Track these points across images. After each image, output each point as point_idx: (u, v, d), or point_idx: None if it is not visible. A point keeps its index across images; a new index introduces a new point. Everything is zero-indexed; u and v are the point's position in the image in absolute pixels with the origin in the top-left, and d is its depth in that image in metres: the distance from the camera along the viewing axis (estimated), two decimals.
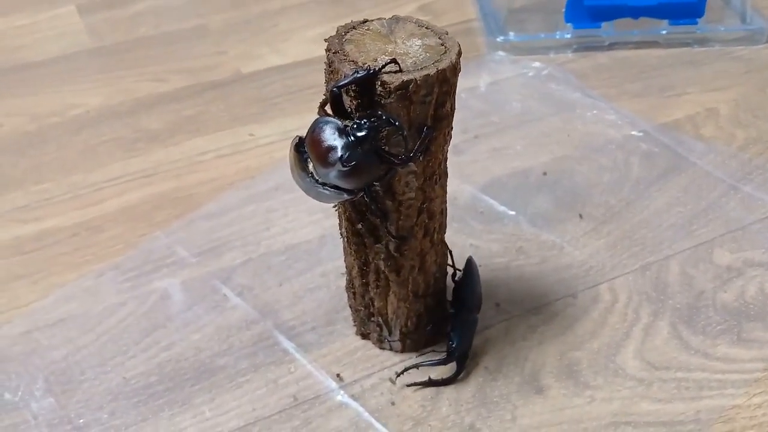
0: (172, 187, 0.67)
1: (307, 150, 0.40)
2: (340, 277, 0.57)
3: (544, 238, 0.61)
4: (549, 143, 0.72)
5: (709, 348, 0.52)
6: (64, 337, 0.54)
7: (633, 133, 0.72)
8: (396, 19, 0.42)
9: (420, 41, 0.40)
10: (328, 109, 0.40)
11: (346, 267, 0.51)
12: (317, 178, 0.40)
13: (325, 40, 0.41)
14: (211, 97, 0.79)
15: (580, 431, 0.47)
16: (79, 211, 0.64)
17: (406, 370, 0.50)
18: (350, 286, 0.51)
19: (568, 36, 0.86)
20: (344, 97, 0.39)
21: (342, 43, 0.40)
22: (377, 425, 0.48)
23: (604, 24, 0.86)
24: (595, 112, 0.75)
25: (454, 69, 0.40)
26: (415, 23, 0.42)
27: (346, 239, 0.48)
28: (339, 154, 0.38)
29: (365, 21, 0.42)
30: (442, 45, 0.40)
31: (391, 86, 0.38)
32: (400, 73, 0.38)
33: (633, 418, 0.48)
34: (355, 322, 0.53)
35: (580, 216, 0.63)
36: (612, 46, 0.86)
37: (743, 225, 0.62)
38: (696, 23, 0.86)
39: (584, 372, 0.51)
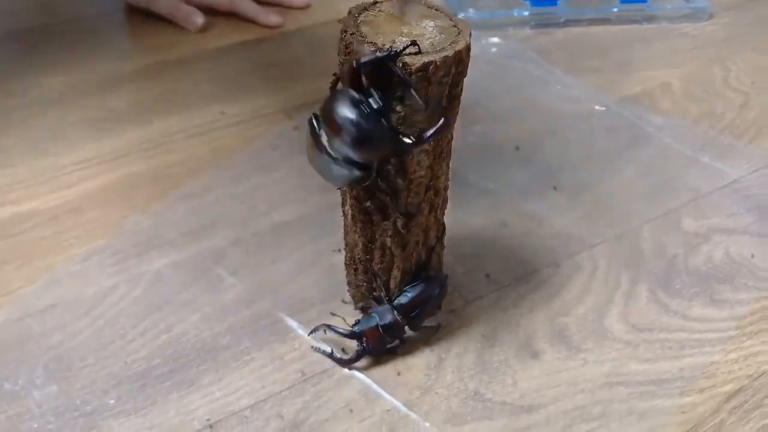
0: (148, 167, 0.66)
1: (321, 122, 0.41)
2: (332, 254, 0.58)
3: (523, 210, 0.64)
4: (518, 119, 0.74)
5: (686, 310, 0.56)
6: (57, 323, 0.53)
7: (596, 107, 0.76)
8: (405, 1, 0.43)
9: (432, 22, 0.41)
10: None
11: (347, 244, 0.52)
12: (331, 152, 0.40)
13: (340, 21, 0.42)
14: (178, 75, 0.78)
15: (577, 392, 0.50)
16: (55, 193, 0.63)
17: (317, 329, 0.51)
18: (351, 262, 0.52)
19: (526, 13, 0.88)
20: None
21: (358, 25, 0.41)
22: (386, 395, 0.49)
23: (560, 1, 0.89)
24: (558, 87, 0.78)
25: (468, 50, 0.41)
26: (424, 5, 0.43)
27: (351, 217, 0.49)
28: (353, 121, 0.38)
29: (375, 2, 0.43)
30: (455, 26, 0.42)
31: (412, 68, 0.39)
32: (420, 55, 0.39)
33: (624, 378, 0.51)
34: (354, 297, 0.54)
35: (555, 188, 0.66)
36: (567, 23, 0.89)
37: (705, 193, 0.66)
38: (645, 1, 0.89)
39: (574, 336, 0.53)
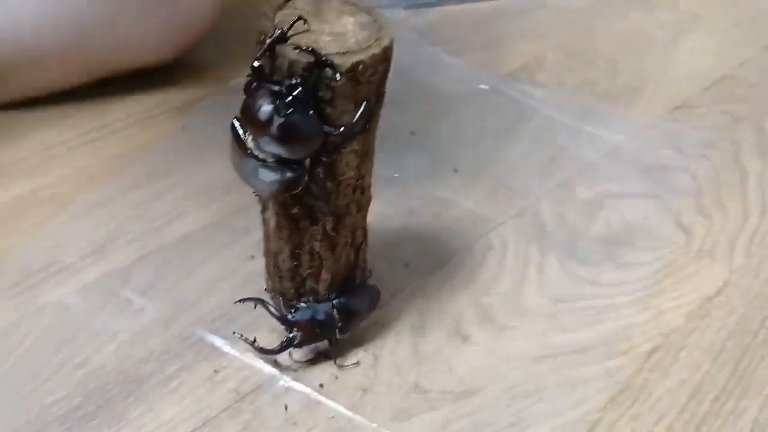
0: (31, 187, 0.61)
1: (244, 123, 0.39)
2: (247, 262, 0.56)
3: (429, 195, 0.64)
4: (407, 102, 0.74)
5: (595, 276, 0.59)
6: None
7: (481, 86, 0.77)
8: None
9: (352, 18, 0.41)
10: None
11: (268, 253, 0.50)
12: (259, 154, 0.39)
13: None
14: None
15: (511, 370, 0.51)
16: None
17: (250, 299, 0.49)
18: (276, 271, 0.50)
19: None
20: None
21: (273, 26, 0.39)
22: (327, 402, 0.48)
23: None
24: (443, 68, 0.79)
25: (392, 46, 0.40)
26: (338, 1, 0.42)
27: (274, 225, 0.47)
28: (275, 111, 0.37)
29: (288, 0, 0.41)
30: (375, 21, 0.41)
31: (342, 68, 0.37)
32: (348, 55, 0.38)
33: (551, 351, 0.53)
34: (277, 305, 0.52)
35: (455, 170, 0.67)
36: (440, 3, 0.90)
37: (592, 161, 0.70)
38: None
39: (498, 315, 0.55)
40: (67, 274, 0.54)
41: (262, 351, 0.49)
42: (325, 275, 0.49)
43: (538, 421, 0.48)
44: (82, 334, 0.50)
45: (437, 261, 0.58)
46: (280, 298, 0.51)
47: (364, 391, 0.49)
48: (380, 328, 0.53)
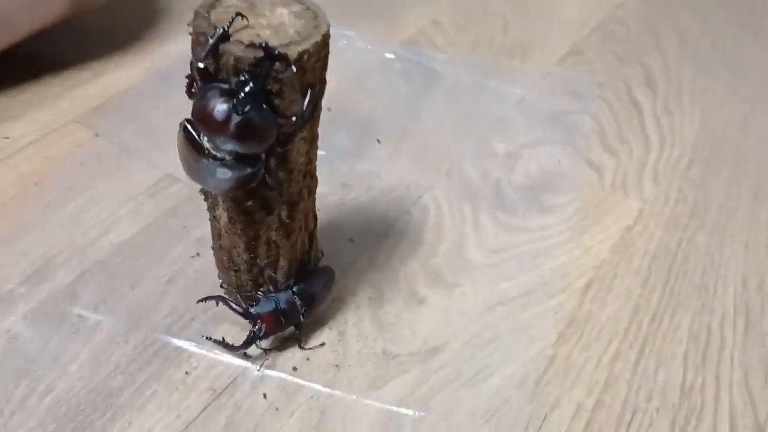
0: None
1: (197, 124, 0.38)
2: (191, 261, 0.56)
3: (359, 169, 0.66)
4: None
5: (525, 224, 0.62)
6: None
7: (386, 55, 0.79)
8: None
9: (286, 9, 0.41)
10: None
11: (221, 249, 0.50)
12: (215, 153, 0.39)
13: (189, 25, 0.39)
14: None
15: (468, 323, 0.54)
16: None
17: (210, 298, 0.50)
18: (230, 265, 0.50)
19: None
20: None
21: (212, 25, 0.39)
22: (305, 383, 0.50)
23: None
24: (344, 42, 0.80)
25: (329, 32, 0.41)
26: None
27: (226, 221, 0.47)
28: (232, 109, 0.37)
29: None
30: (308, 9, 0.41)
31: (291, 59, 0.38)
32: (292, 45, 0.38)
33: (500, 299, 0.56)
34: (235, 300, 0.53)
35: (378, 141, 0.69)
36: None
37: (502, 115, 0.73)
38: None
39: (446, 274, 0.58)
40: (7, 303, 0.52)
41: (231, 348, 0.49)
42: (282, 263, 0.50)
43: (500, 365, 0.51)
44: (40, 360, 0.49)
45: (380, 231, 0.60)
46: (236, 292, 0.51)
47: (337, 367, 0.51)
48: (339, 304, 0.54)
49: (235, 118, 0.37)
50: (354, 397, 0.49)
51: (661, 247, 0.61)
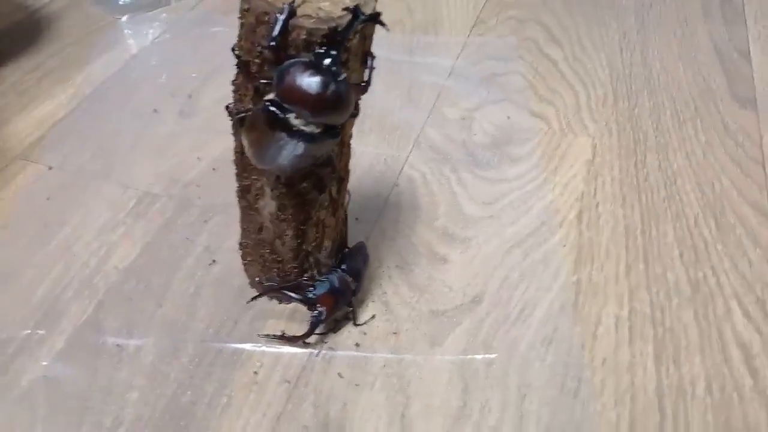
0: None
1: (287, 102, 0.38)
2: (209, 269, 0.55)
3: None
4: None
5: (503, 175, 0.66)
6: None
7: None
8: None
9: None
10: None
11: (260, 244, 0.49)
12: (306, 128, 0.38)
13: (246, 10, 0.39)
14: None
15: (494, 269, 0.57)
16: None
17: (262, 295, 0.50)
18: (274, 258, 0.49)
19: None
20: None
21: (271, 4, 0.38)
22: (373, 355, 0.50)
23: None
24: None
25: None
26: None
27: (275, 209, 0.46)
28: (327, 80, 0.37)
29: None
30: None
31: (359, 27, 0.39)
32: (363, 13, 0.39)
33: (511, 242, 0.59)
34: (269, 293, 0.52)
35: None
36: None
37: (440, 84, 0.76)
38: None
39: (456, 231, 0.60)
40: (30, 349, 0.48)
41: (295, 339, 0.49)
42: (326, 243, 0.50)
43: (537, 299, 0.55)
44: (93, 397, 0.46)
45: (378, 206, 0.61)
46: (277, 284, 0.51)
47: (395, 334, 0.52)
48: (371, 278, 0.55)
49: (332, 88, 0.37)
50: (421, 357, 0.50)
51: (623, 173, 0.67)
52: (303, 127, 0.38)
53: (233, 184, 0.60)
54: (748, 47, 0.86)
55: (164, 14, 0.83)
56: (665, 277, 0.58)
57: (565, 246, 0.59)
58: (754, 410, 0.49)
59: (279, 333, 0.49)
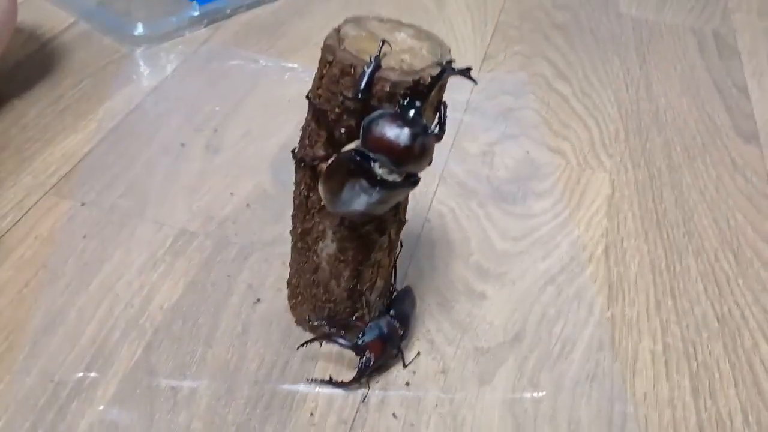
0: None
1: (376, 152, 0.39)
2: (254, 307, 0.55)
3: None
4: (281, 117, 0.75)
5: (529, 210, 0.68)
6: None
7: None
8: (356, 20, 0.43)
9: (404, 33, 0.42)
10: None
11: (313, 284, 0.50)
12: (389, 177, 0.39)
13: (329, 60, 0.40)
14: None
15: (531, 305, 0.58)
16: None
17: (313, 340, 0.50)
18: (327, 298, 0.50)
19: (196, 14, 0.86)
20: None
21: (355, 56, 0.39)
22: (424, 394, 0.51)
23: None
24: (287, 75, 0.80)
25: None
26: (374, 18, 0.43)
27: (335, 251, 0.47)
28: (417, 133, 0.38)
29: (337, 31, 0.42)
30: (420, 31, 0.43)
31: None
32: (435, 66, 0.40)
33: (546, 279, 0.60)
34: (317, 332, 0.52)
35: None
36: (233, 13, 0.90)
37: (458, 120, 0.78)
38: None
39: (490, 267, 0.61)
40: (85, 393, 0.48)
41: (344, 385, 0.49)
42: (379, 283, 0.51)
43: (576, 335, 0.56)
44: None
45: (412, 242, 0.62)
46: (326, 323, 0.51)
47: (443, 372, 0.52)
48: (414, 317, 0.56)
49: (419, 140, 0.38)
50: (472, 395, 0.51)
51: (642, 208, 0.69)
52: (386, 176, 0.39)
53: (268, 221, 0.61)
54: (746, 83, 0.90)
55: (180, 46, 0.83)
56: (693, 312, 0.60)
57: (595, 282, 0.61)
58: None
59: (327, 378, 0.50)
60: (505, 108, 0.81)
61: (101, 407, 0.47)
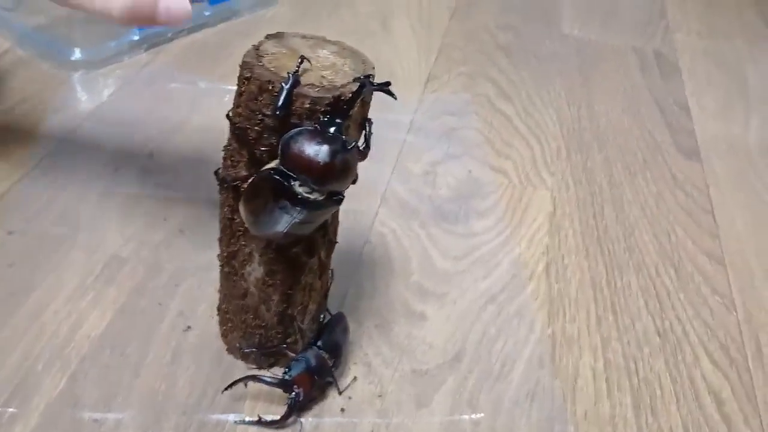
0: None
1: (295, 170, 0.38)
2: (184, 335, 0.53)
3: None
4: (219, 140, 0.73)
5: (470, 229, 0.67)
6: None
7: None
8: (278, 36, 0.42)
9: (326, 50, 0.42)
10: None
11: (242, 310, 0.48)
12: (311, 196, 0.38)
13: (246, 78, 0.39)
14: None
15: (470, 324, 0.57)
16: None
17: (238, 381, 0.48)
18: (257, 323, 0.49)
19: (136, 38, 0.85)
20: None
21: (274, 73, 0.39)
22: (360, 420, 0.49)
23: None
24: (227, 98, 0.79)
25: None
26: (297, 36, 0.43)
27: (263, 275, 0.46)
28: (337, 150, 0.37)
29: (256, 48, 0.41)
30: (343, 48, 0.42)
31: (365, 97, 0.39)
32: (364, 80, 0.39)
33: (485, 297, 0.60)
34: (249, 359, 0.51)
35: None
36: (174, 37, 0.89)
37: (401, 140, 0.78)
38: (229, 0, 0.94)
39: (430, 287, 0.60)
40: (2, 429, 0.45)
41: (273, 424, 0.48)
42: (311, 306, 0.49)
43: (516, 353, 0.56)
44: None
45: (353, 263, 0.61)
46: (257, 350, 0.50)
47: (380, 396, 0.51)
48: (352, 340, 0.55)
49: (340, 156, 0.37)
50: (409, 420, 0.50)
51: (583, 225, 0.69)
52: (307, 195, 0.38)
53: (202, 247, 0.60)
54: (686, 100, 0.91)
55: (118, 71, 0.82)
56: (634, 327, 0.59)
57: (536, 299, 0.61)
58: None
59: (256, 417, 0.48)
60: (448, 128, 0.81)
61: None
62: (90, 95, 0.78)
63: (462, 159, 0.76)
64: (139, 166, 0.68)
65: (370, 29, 0.98)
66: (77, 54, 0.81)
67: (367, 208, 0.67)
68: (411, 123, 0.81)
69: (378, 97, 0.42)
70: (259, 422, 0.48)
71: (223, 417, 0.48)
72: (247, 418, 0.48)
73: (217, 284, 0.52)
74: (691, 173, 0.78)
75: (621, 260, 0.66)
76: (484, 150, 0.78)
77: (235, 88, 0.42)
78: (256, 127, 0.39)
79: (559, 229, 0.69)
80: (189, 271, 0.58)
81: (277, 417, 0.48)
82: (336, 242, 0.48)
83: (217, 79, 0.82)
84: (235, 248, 0.46)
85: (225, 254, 0.47)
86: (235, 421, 0.48)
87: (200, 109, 0.77)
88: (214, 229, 0.59)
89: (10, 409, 0.47)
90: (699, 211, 0.73)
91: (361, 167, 0.41)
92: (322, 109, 0.38)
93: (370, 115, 0.43)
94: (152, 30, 0.86)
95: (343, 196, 0.40)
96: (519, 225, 0.68)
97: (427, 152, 0.76)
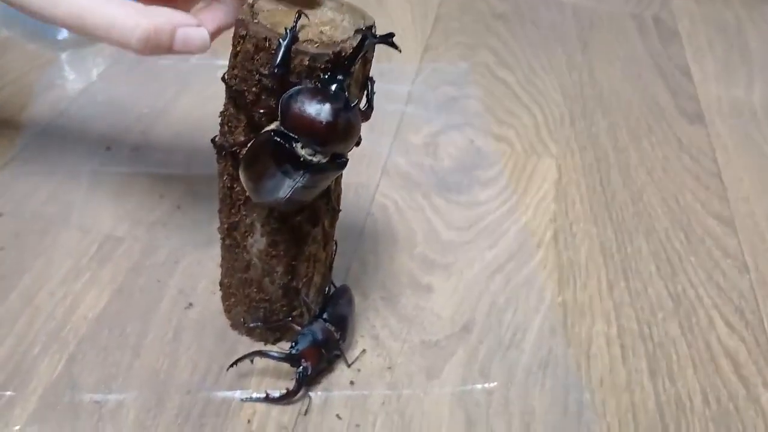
0: None
1: (297, 132, 0.36)
2: (186, 313, 0.52)
3: None
4: (212, 116, 0.72)
5: (474, 198, 0.65)
6: None
7: None
8: None
9: (323, 6, 0.40)
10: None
11: (246, 283, 0.46)
12: (314, 159, 0.36)
13: (242, 35, 0.37)
14: None
15: (479, 296, 0.56)
16: None
17: (244, 358, 0.46)
18: (261, 297, 0.47)
19: None
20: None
21: (270, 30, 0.37)
22: (370, 392, 0.48)
23: None
24: (218, 73, 0.77)
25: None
26: None
27: (266, 245, 0.44)
28: (339, 109, 0.35)
29: (251, 5, 0.39)
30: (342, 4, 0.40)
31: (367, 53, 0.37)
32: (356, 36, 0.37)
33: (492, 267, 0.58)
34: (254, 334, 0.49)
35: None
36: None
37: (400, 111, 0.76)
38: None
39: (436, 259, 0.59)
40: (4, 409, 0.44)
41: (282, 399, 0.46)
42: (316, 278, 0.48)
43: (527, 322, 0.54)
44: None
45: (355, 236, 0.60)
46: (263, 325, 0.48)
47: (390, 368, 0.50)
48: (358, 311, 0.53)
49: (343, 115, 0.35)
50: (421, 390, 0.48)
51: (590, 191, 0.68)
52: (310, 157, 0.36)
53: (201, 222, 0.58)
54: (688, 65, 0.89)
55: (107, 49, 0.79)
56: (647, 293, 0.58)
57: (545, 267, 0.59)
58: (751, 419, 0.49)
59: (263, 394, 0.46)
60: (448, 98, 0.79)
61: (17, 427, 0.43)
62: (79, 74, 0.75)
63: (463, 129, 0.74)
64: (131, 144, 0.66)
65: None
66: (64, 33, 0.78)
67: (367, 180, 0.66)
68: (409, 94, 0.79)
69: (374, 68, 0.40)
70: (267, 398, 0.46)
71: (229, 394, 0.47)
72: (255, 395, 0.46)
73: (217, 260, 0.50)
74: (695, 137, 0.77)
75: (630, 225, 0.64)
76: (485, 119, 0.76)
77: (226, 62, 0.40)
78: (253, 89, 0.37)
79: (566, 196, 0.67)
80: (188, 247, 0.56)
81: (285, 392, 0.46)
82: (339, 210, 0.46)
83: (208, 54, 0.80)
84: (236, 219, 0.44)
85: (226, 226, 0.45)
86: (242, 399, 0.46)
87: (192, 86, 0.75)
88: (212, 205, 0.57)
89: (8, 393, 0.45)
90: (706, 174, 0.71)
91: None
92: (323, 66, 0.36)
93: None
94: None
95: (347, 159, 0.38)
96: (524, 193, 0.67)
97: (426, 123, 0.75)
